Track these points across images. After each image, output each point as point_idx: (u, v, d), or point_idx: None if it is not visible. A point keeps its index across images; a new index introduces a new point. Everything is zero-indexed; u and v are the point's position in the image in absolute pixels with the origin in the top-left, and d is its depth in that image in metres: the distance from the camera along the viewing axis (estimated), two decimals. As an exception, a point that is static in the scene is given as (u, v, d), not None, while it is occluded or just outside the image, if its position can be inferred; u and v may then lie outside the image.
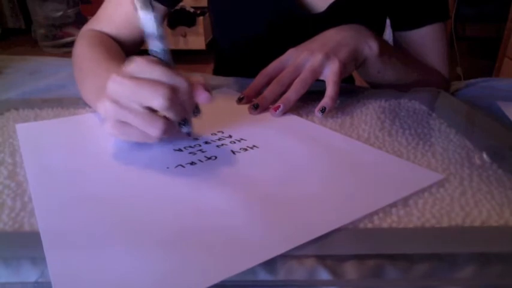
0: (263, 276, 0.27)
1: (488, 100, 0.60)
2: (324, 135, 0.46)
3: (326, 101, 0.52)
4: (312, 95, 0.54)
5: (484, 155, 0.41)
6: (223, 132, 0.47)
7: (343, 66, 0.53)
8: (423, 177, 0.37)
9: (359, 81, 0.85)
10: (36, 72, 0.69)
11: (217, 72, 0.90)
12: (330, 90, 0.52)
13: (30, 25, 3.15)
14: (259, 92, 0.55)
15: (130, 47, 0.68)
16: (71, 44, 2.98)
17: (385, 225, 0.31)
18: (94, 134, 0.47)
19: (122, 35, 0.67)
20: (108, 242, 0.29)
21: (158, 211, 0.32)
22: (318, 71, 0.53)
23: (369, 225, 0.31)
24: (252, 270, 0.27)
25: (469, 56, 2.06)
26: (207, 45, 2.65)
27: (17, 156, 0.42)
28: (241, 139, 0.46)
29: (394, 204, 0.33)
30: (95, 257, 0.27)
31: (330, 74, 0.53)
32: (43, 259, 0.27)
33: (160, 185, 0.36)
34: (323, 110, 0.51)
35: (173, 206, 0.33)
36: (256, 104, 0.53)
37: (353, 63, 0.56)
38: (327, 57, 0.53)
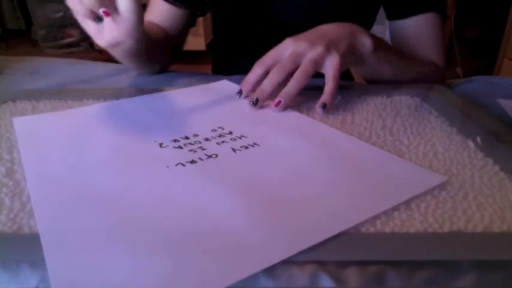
0: (264, 282, 0.27)
1: (489, 97, 0.59)
2: (325, 134, 0.46)
3: (326, 97, 0.51)
4: (313, 91, 0.54)
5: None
6: (223, 129, 0.47)
7: (343, 60, 0.52)
8: (426, 179, 0.37)
9: (358, 78, 0.85)
10: (36, 72, 0.69)
11: (215, 72, 0.90)
12: (330, 85, 0.51)
13: (30, 26, 3.13)
14: (256, 84, 0.54)
15: (175, 36, 0.75)
16: (71, 45, 2.98)
17: (387, 229, 0.31)
18: (93, 129, 0.47)
19: (164, 25, 0.74)
20: (108, 245, 0.28)
21: (158, 213, 0.32)
22: (319, 63, 0.52)
23: (371, 229, 0.31)
24: (252, 276, 0.26)
25: (469, 56, 2.05)
26: (207, 45, 2.62)
27: (14, 152, 0.42)
28: (242, 136, 0.45)
29: (396, 208, 0.33)
30: (95, 261, 0.27)
31: (330, 69, 0.52)
32: (43, 262, 0.27)
33: (161, 185, 0.36)
34: (324, 106, 0.51)
35: (174, 208, 0.33)
36: (256, 99, 0.52)
37: (351, 58, 0.55)
38: (328, 49, 0.52)
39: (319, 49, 0.52)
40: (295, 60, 0.52)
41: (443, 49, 0.71)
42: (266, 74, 0.54)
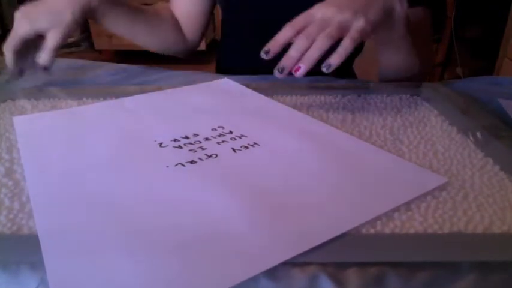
0: (264, 283, 0.27)
1: (489, 96, 0.59)
2: (325, 133, 0.46)
3: (333, 57, 0.49)
4: (313, 90, 0.54)
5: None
6: (223, 128, 0.47)
7: (369, 26, 0.51)
8: (427, 180, 0.37)
9: (360, 76, 0.84)
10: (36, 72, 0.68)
11: (219, 71, 0.89)
12: (343, 45, 0.49)
13: None
14: (284, 45, 0.51)
15: (191, 33, 0.83)
16: (71, 45, 2.98)
17: (387, 230, 0.31)
18: (93, 128, 0.47)
19: (183, 23, 0.82)
20: (107, 247, 0.28)
21: (158, 214, 0.32)
22: (344, 28, 0.50)
23: (371, 231, 0.31)
24: (253, 278, 0.26)
25: (469, 56, 2.04)
26: (208, 45, 2.61)
27: (14, 151, 0.42)
28: (242, 135, 0.45)
29: (396, 208, 0.33)
30: (95, 263, 0.27)
31: (351, 30, 0.50)
32: (43, 263, 0.27)
33: (161, 185, 0.36)
34: (328, 67, 0.49)
35: (174, 210, 0.32)
36: (282, 66, 0.49)
37: (380, 23, 0.53)
38: (355, 14, 0.50)
39: (346, 14, 0.50)
40: (322, 26, 0.50)
41: (431, 45, 0.70)
42: (294, 36, 0.51)
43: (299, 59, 0.49)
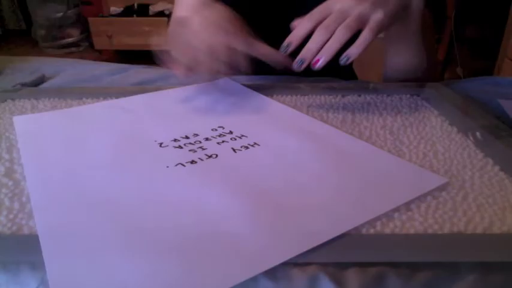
0: (264, 284, 0.27)
1: (489, 96, 0.59)
2: (326, 134, 0.46)
3: (352, 48, 0.49)
4: (315, 89, 0.53)
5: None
6: (223, 128, 0.47)
7: (387, 19, 0.51)
8: (427, 180, 0.37)
9: (361, 77, 0.84)
10: (36, 72, 0.69)
11: None
12: (361, 37, 0.49)
13: (30, 26, 3.13)
14: (303, 38, 0.51)
15: None
16: (71, 45, 2.99)
17: (387, 230, 0.31)
18: (93, 128, 0.47)
19: None
20: (107, 247, 0.28)
21: (158, 215, 0.32)
22: (363, 19, 0.50)
23: (371, 231, 0.31)
24: (253, 278, 0.26)
25: (469, 56, 2.04)
26: None
27: (14, 151, 0.42)
28: (242, 135, 0.45)
29: (396, 209, 0.33)
30: (95, 263, 0.27)
31: (371, 21, 0.50)
32: (43, 264, 0.27)
33: (161, 186, 0.36)
34: (347, 59, 0.49)
35: (174, 210, 0.32)
36: (301, 59, 0.49)
37: (400, 15, 0.53)
38: (374, 6, 0.50)
39: (364, 5, 0.50)
40: (340, 18, 0.50)
41: (433, 46, 0.70)
42: (313, 29, 0.51)
43: (318, 51, 0.49)
